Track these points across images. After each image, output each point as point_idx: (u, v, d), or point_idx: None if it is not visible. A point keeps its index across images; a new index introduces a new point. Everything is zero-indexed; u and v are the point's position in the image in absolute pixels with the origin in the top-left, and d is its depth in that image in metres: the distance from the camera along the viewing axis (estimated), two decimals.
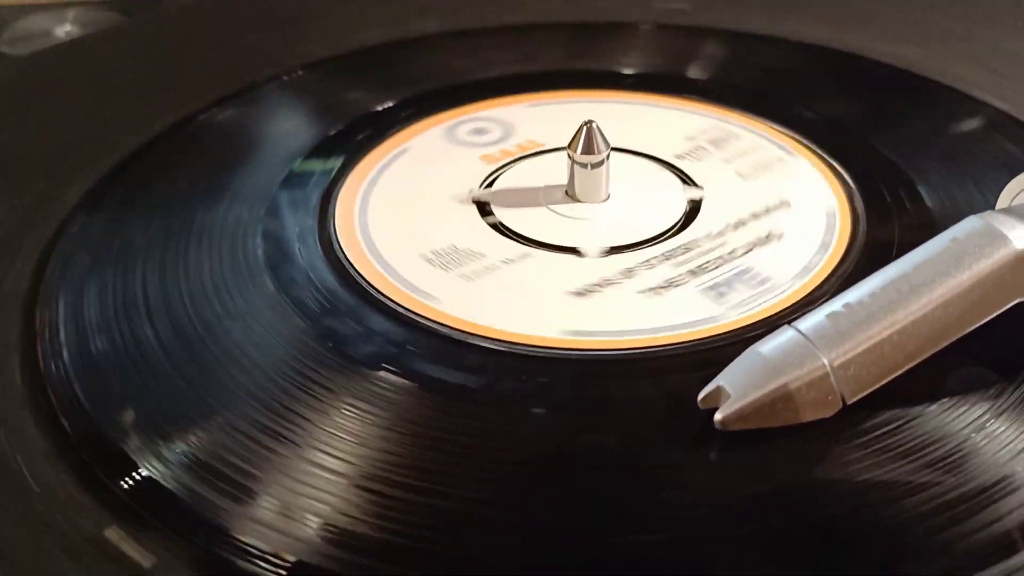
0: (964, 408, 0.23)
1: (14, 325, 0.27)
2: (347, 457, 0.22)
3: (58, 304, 0.27)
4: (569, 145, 0.30)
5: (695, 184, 0.32)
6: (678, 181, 0.32)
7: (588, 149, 0.30)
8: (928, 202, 0.30)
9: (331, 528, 0.21)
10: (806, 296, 0.27)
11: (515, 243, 0.29)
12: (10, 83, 0.40)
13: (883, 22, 0.42)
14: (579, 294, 0.27)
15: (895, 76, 0.38)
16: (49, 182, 0.33)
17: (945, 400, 0.23)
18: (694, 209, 0.31)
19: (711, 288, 0.27)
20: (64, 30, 0.44)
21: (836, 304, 0.23)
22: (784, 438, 0.22)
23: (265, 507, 0.21)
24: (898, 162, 0.32)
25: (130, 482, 0.22)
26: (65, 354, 0.26)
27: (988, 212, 0.25)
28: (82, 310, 0.27)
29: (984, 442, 0.22)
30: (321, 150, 0.34)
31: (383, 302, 0.27)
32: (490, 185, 0.32)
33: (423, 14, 0.43)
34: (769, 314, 0.26)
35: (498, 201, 0.31)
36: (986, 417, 0.23)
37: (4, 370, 0.26)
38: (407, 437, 0.23)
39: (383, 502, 0.21)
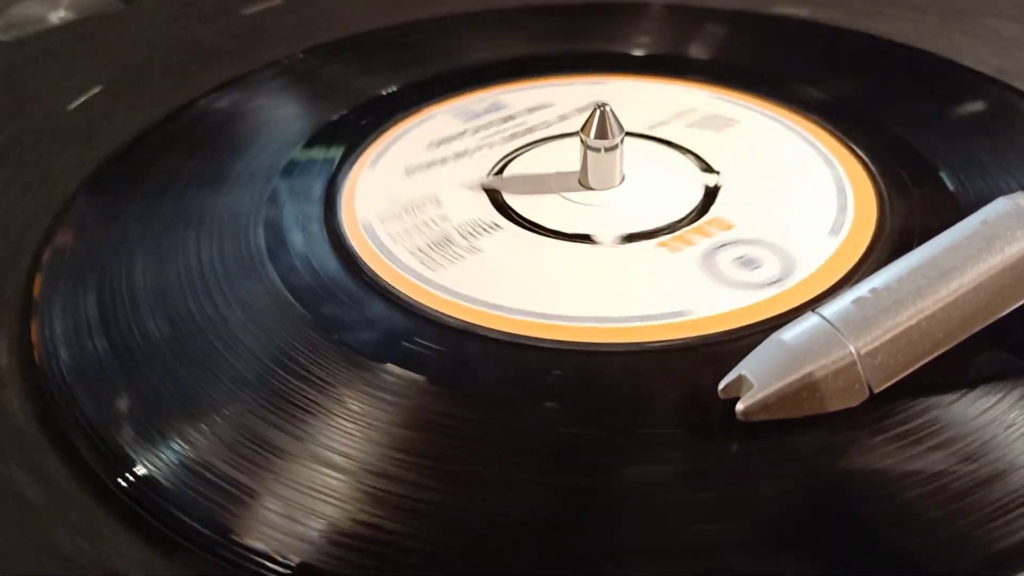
0: (995, 397, 0.22)
1: (9, 317, 0.26)
2: (352, 454, 0.21)
3: (54, 295, 0.27)
4: (582, 130, 0.30)
5: (708, 165, 0.31)
6: (691, 163, 0.31)
7: (602, 133, 0.29)
8: (949, 183, 0.30)
9: (335, 528, 0.20)
10: (830, 284, 0.26)
11: (528, 231, 0.28)
12: (5, 68, 0.39)
13: (904, 5, 0.42)
14: (590, 282, 0.26)
15: (912, 56, 0.37)
16: (47, 169, 0.32)
17: (975, 389, 0.22)
18: (711, 192, 0.30)
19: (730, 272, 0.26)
20: (58, 16, 0.43)
21: (862, 289, 0.22)
22: (808, 428, 0.21)
23: (268, 506, 0.21)
24: (916, 144, 0.31)
25: (128, 480, 0.21)
26: (61, 347, 0.25)
27: (1018, 193, 0.24)
28: (79, 301, 0.26)
29: (1014, 433, 0.21)
30: (324, 136, 0.33)
31: (390, 292, 0.26)
32: (501, 171, 0.31)
33: None
34: (791, 300, 0.25)
35: (509, 188, 0.30)
36: (1018, 407, 0.22)
37: None
38: (414, 433, 0.22)
39: (390, 500, 0.20)
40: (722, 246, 0.27)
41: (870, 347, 0.21)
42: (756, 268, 0.26)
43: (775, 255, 0.27)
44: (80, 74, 0.38)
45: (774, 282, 0.26)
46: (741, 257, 0.27)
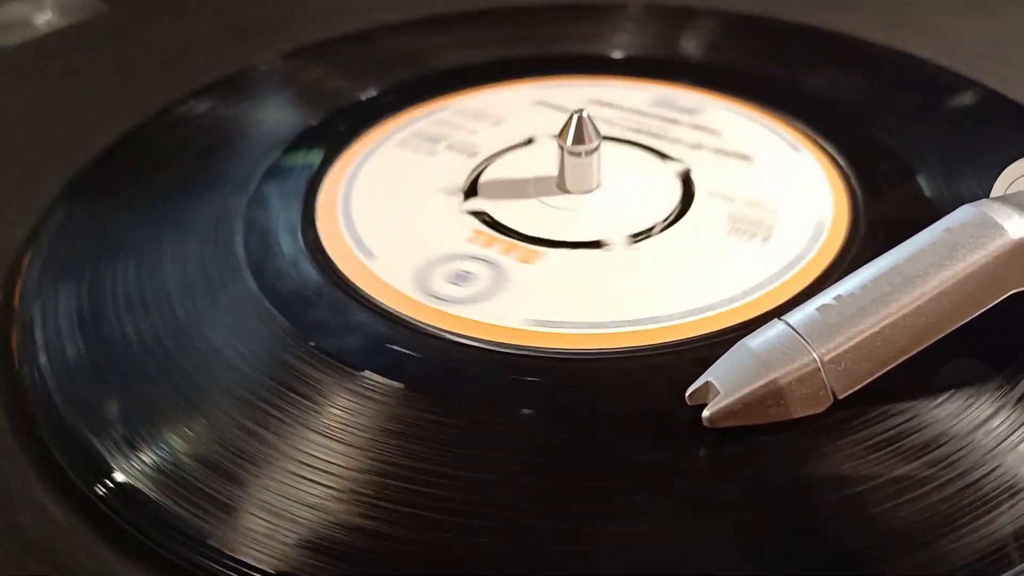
0: (958, 403, 0.22)
1: None
2: (331, 463, 0.22)
3: (34, 301, 0.27)
4: (560, 135, 0.30)
5: (686, 168, 0.31)
6: (669, 167, 0.32)
7: (579, 139, 0.29)
8: (925, 188, 0.30)
9: (314, 536, 0.20)
10: (801, 290, 0.26)
11: (508, 238, 0.29)
12: None
13: (881, 5, 0.42)
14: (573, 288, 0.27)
15: (889, 57, 0.38)
16: (28, 174, 0.33)
17: (939, 395, 0.23)
18: (687, 191, 0.30)
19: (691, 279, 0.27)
20: (44, 18, 0.43)
21: (827, 297, 0.23)
22: (773, 435, 0.22)
23: (246, 514, 0.21)
24: (894, 146, 0.32)
25: (105, 487, 0.22)
26: (40, 353, 0.25)
27: (983, 201, 0.24)
28: (59, 306, 0.27)
29: (980, 439, 0.22)
30: (304, 140, 0.33)
31: (368, 299, 0.26)
32: (478, 176, 0.31)
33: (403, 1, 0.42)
34: (762, 307, 0.26)
35: (486, 193, 0.31)
36: (981, 413, 0.22)
37: None
38: (393, 441, 0.22)
39: (371, 508, 0.21)
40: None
41: (833, 354, 0.22)
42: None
43: (748, 261, 0.27)
44: (61, 78, 0.38)
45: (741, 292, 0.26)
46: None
